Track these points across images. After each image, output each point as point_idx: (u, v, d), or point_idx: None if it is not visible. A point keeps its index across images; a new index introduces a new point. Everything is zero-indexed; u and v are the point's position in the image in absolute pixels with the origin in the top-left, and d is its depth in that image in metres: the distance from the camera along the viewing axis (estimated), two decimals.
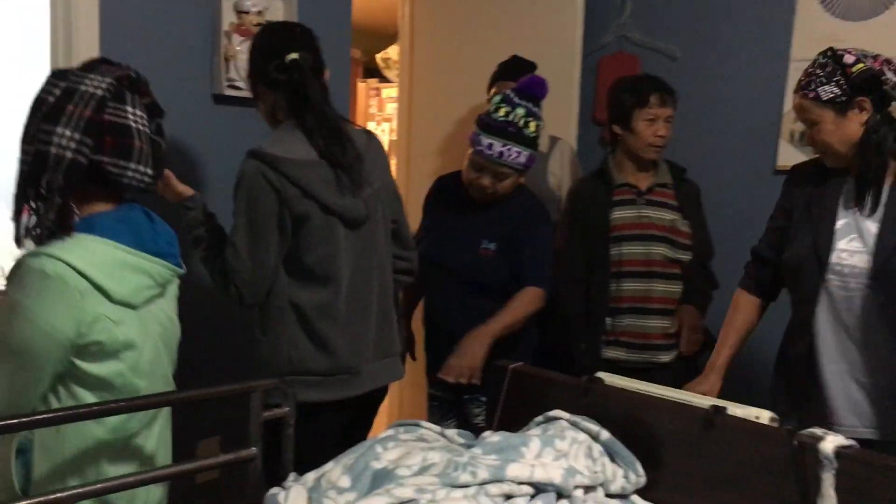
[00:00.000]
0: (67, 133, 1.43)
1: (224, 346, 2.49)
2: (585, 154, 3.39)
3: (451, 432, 1.69)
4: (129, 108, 1.50)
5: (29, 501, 1.25)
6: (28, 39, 3.51)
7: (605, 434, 1.57)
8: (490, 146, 2.31)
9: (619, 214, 2.59)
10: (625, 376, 1.78)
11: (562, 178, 3.02)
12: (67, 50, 2.30)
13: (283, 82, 1.98)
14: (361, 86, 6.63)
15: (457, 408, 2.58)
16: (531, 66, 3.01)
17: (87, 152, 1.45)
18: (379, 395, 2.18)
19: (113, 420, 1.49)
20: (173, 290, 1.69)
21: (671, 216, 2.58)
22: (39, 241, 1.43)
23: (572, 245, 2.63)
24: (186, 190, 2.01)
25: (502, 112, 2.31)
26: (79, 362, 1.44)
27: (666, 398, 1.64)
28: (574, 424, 1.59)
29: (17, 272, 1.42)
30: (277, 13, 2.74)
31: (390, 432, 1.65)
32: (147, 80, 1.58)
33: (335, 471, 1.47)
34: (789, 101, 2.58)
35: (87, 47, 2.29)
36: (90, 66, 1.53)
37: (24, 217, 1.43)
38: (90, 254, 1.44)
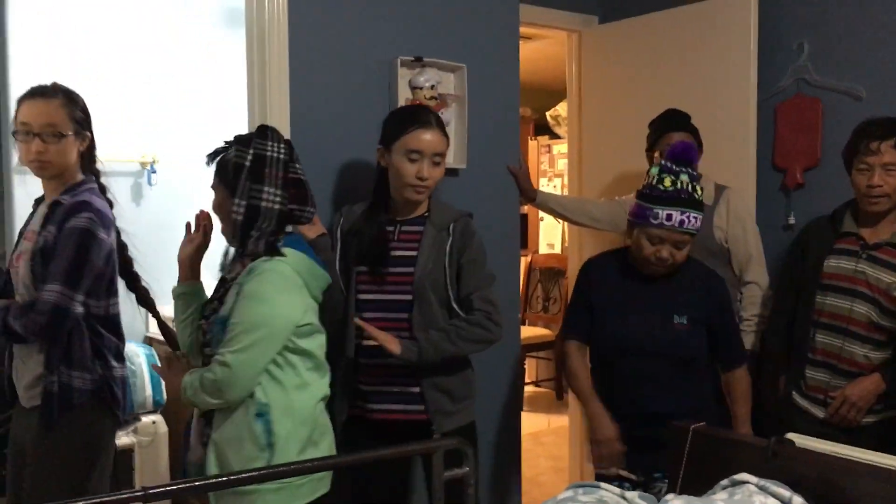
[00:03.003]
0: (272, 190, 1.95)
1: None
2: (764, 202, 3.27)
3: (632, 495, 1.66)
4: (298, 165, 2.03)
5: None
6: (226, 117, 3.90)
7: (797, 500, 1.49)
8: (669, 217, 2.25)
9: (833, 263, 2.51)
10: (820, 435, 1.69)
11: (728, 229, 2.93)
12: (263, 121, 2.53)
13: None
14: (532, 143, 6.75)
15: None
16: (686, 117, 2.97)
17: (286, 203, 1.98)
18: None
19: (321, 387, 2.03)
20: None
21: (890, 279, 2.43)
22: (261, 255, 1.93)
23: (785, 285, 2.71)
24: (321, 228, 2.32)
25: (668, 182, 2.27)
26: (295, 338, 1.94)
27: (863, 461, 1.53)
28: (763, 489, 1.53)
29: (257, 273, 1.89)
30: (449, 86, 2.89)
31: (569, 493, 1.65)
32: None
33: None
34: None
35: (279, 118, 2.56)
36: (262, 133, 1.98)
37: (250, 244, 1.96)
38: (299, 261, 1.96)
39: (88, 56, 3.76)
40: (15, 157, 3.62)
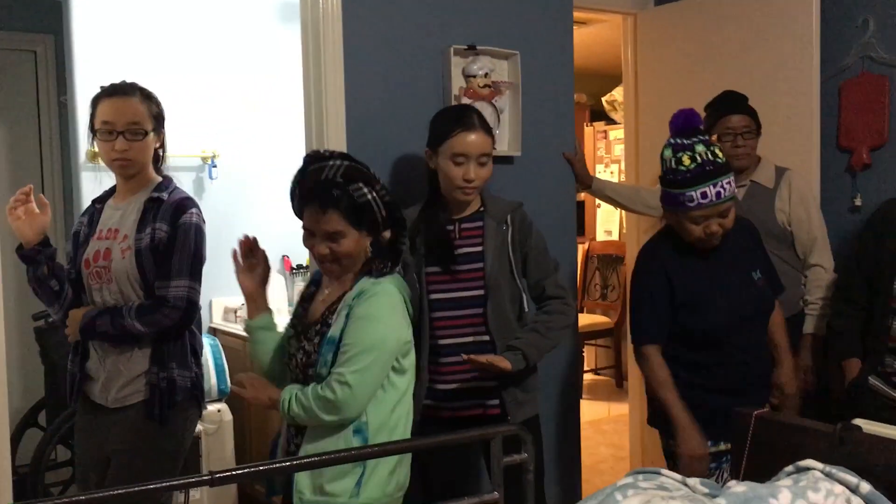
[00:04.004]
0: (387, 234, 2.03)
1: None
2: (830, 184, 3.19)
3: (694, 481, 1.64)
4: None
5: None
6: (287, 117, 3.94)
7: (865, 486, 1.45)
8: (704, 195, 2.20)
9: None
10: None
11: (790, 212, 2.86)
12: (319, 114, 2.59)
13: None
14: (588, 129, 6.68)
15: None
16: (744, 98, 2.91)
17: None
18: None
19: (408, 403, 2.06)
20: None
21: None
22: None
23: (858, 267, 2.62)
24: None
25: (686, 160, 2.21)
26: (400, 357, 1.99)
27: None
28: (829, 475, 1.49)
29: (369, 295, 1.93)
30: (503, 74, 2.88)
31: (629, 480, 1.63)
32: None
33: None
34: None
35: (335, 110, 2.57)
36: (367, 176, 1.98)
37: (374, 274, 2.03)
38: (398, 279, 2.05)
39: (148, 53, 3.85)
40: (83, 155, 3.75)
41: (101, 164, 2.38)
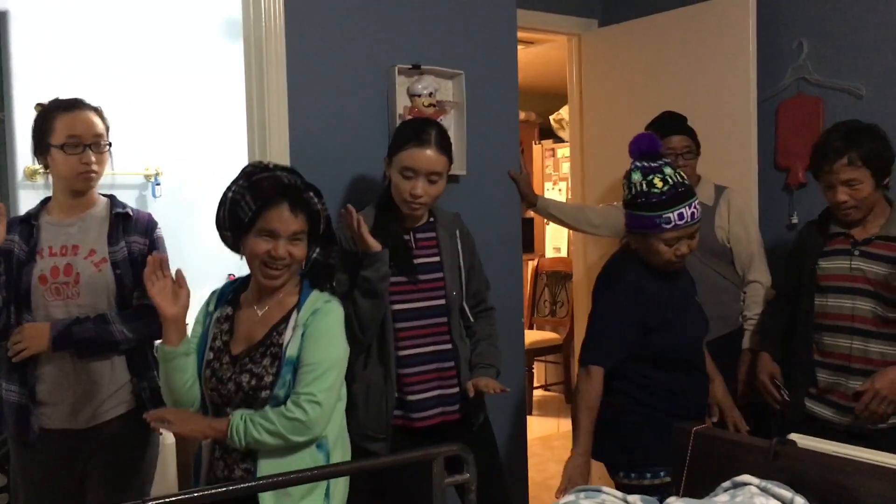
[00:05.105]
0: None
1: None
2: (767, 202, 3.27)
3: (634, 498, 1.66)
4: None
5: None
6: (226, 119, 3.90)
7: (799, 500, 1.48)
8: (681, 216, 2.19)
9: (828, 264, 2.50)
10: (834, 440, 1.67)
11: (729, 229, 2.93)
12: (262, 131, 2.59)
13: None
14: (537, 147, 6.75)
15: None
16: (683, 119, 2.98)
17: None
18: None
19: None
20: None
21: (886, 270, 2.40)
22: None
23: (782, 292, 2.75)
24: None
25: (658, 182, 2.19)
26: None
27: (866, 461, 1.52)
28: (765, 490, 1.52)
29: (325, 313, 1.94)
30: (447, 93, 2.89)
31: (571, 498, 1.64)
32: None
33: None
34: None
35: (278, 127, 2.57)
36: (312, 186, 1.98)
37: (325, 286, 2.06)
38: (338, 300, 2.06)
39: (89, 70, 3.78)
40: (20, 172, 3.66)
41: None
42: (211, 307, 2.06)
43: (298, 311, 1.95)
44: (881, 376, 2.37)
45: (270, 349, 1.93)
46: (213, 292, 2.09)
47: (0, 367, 2.30)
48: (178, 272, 1.97)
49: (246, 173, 1.97)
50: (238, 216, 1.93)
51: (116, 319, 2.25)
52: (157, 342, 1.92)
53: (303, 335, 1.90)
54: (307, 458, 1.90)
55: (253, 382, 1.91)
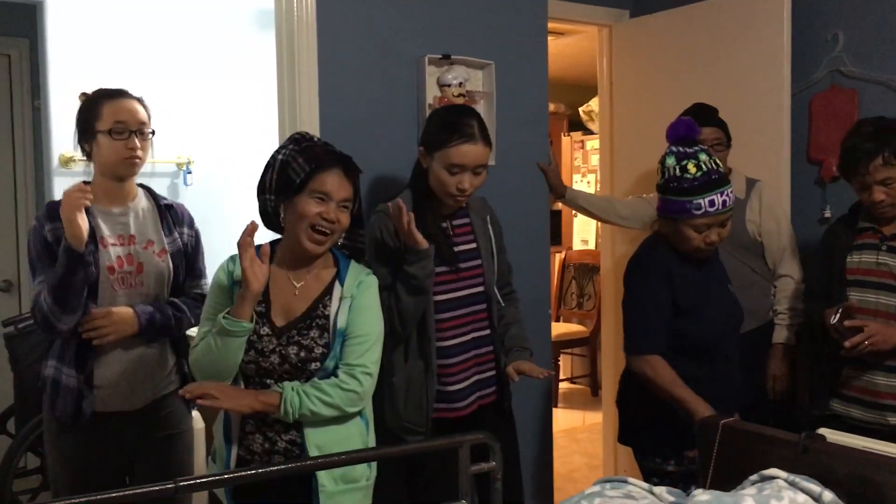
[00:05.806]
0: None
1: None
2: (800, 195, 3.23)
3: (660, 489, 1.65)
4: None
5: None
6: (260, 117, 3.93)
7: (828, 495, 1.47)
8: (712, 203, 2.19)
9: (855, 259, 2.47)
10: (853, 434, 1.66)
11: (761, 223, 2.90)
12: (293, 120, 2.62)
13: None
14: (566, 139, 6.72)
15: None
16: (714, 111, 2.94)
17: None
18: None
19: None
20: None
21: None
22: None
23: (813, 288, 2.71)
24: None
25: (692, 168, 2.20)
26: None
27: None
28: (793, 484, 1.51)
29: (368, 286, 2.00)
30: (477, 84, 2.89)
31: (596, 489, 1.64)
32: None
33: None
34: None
35: (309, 118, 2.60)
36: None
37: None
38: None
39: (123, 59, 3.82)
40: (56, 160, 3.72)
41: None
42: (237, 273, 1.93)
43: (342, 283, 1.98)
44: (883, 326, 2.33)
45: (317, 321, 1.94)
46: (232, 257, 2.00)
47: (52, 350, 2.29)
48: (263, 247, 1.94)
49: (294, 139, 2.01)
50: (289, 177, 1.93)
51: (185, 308, 2.34)
52: (221, 314, 1.87)
53: (349, 307, 1.94)
54: (353, 428, 1.96)
55: (302, 354, 1.92)
